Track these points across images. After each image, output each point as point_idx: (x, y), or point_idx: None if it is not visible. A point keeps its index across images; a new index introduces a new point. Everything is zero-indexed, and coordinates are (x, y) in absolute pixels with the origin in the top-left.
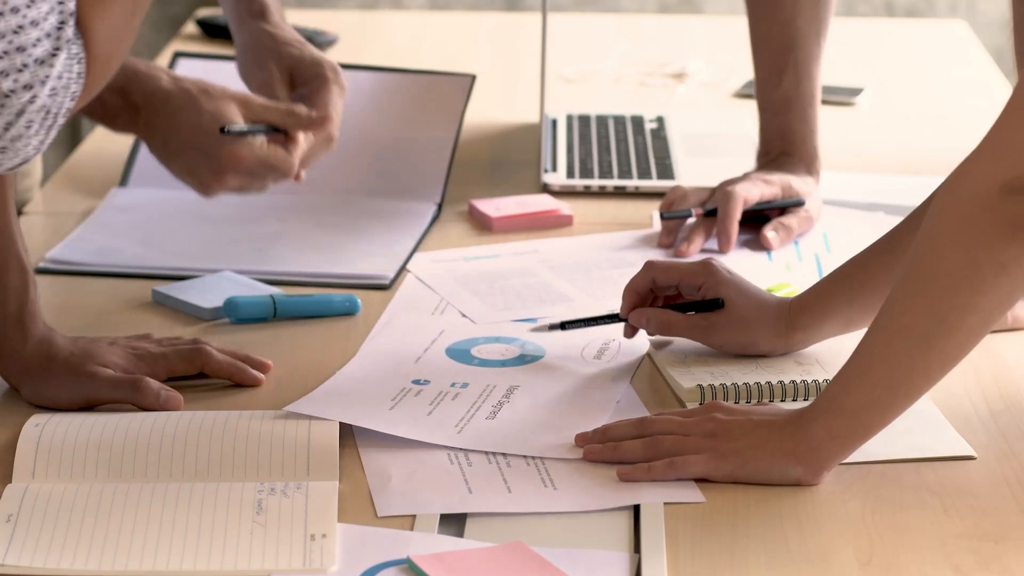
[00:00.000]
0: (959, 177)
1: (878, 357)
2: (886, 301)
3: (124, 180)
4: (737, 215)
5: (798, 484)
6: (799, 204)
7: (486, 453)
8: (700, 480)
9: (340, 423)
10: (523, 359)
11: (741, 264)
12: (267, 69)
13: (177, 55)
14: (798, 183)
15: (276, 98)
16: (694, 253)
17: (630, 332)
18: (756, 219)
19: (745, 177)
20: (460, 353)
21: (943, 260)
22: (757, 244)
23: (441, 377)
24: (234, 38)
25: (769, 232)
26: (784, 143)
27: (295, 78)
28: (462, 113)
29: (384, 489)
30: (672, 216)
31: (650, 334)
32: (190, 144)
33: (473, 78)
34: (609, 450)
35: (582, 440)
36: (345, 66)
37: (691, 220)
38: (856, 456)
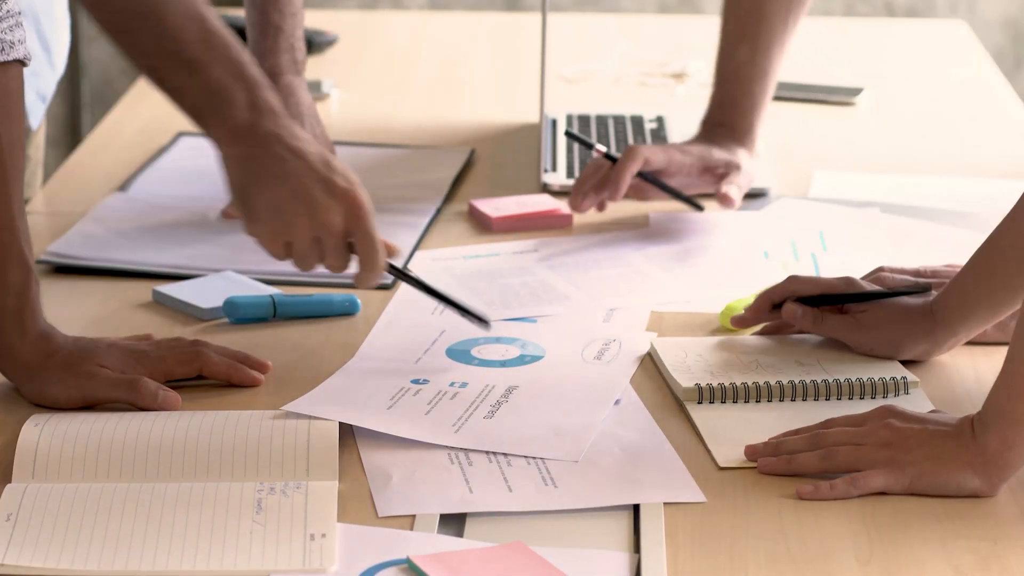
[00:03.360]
0: None
1: None
2: None
3: (125, 187)
4: (632, 168)
5: (975, 496)
6: (698, 208)
7: (486, 452)
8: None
9: (340, 423)
10: (523, 359)
11: (739, 263)
12: None
13: (180, 135)
14: (720, 153)
15: None
16: (588, 208)
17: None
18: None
19: (663, 143)
20: (460, 353)
21: None
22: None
23: (440, 377)
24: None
25: (727, 188)
26: (723, 113)
27: None
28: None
29: (384, 489)
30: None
31: (800, 328)
32: (305, 173)
33: (472, 151)
34: (783, 463)
35: (753, 452)
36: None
37: (597, 169)
38: None
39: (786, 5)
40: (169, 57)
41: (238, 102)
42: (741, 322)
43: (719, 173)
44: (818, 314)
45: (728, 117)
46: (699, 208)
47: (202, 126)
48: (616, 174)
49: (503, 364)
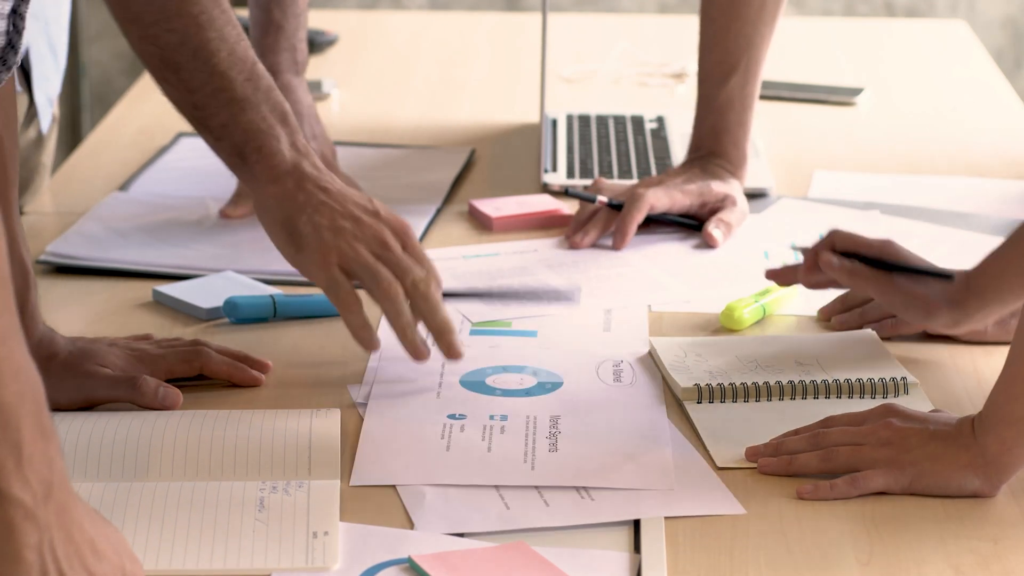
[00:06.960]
0: None
1: None
2: None
3: (125, 187)
4: (638, 218)
5: (975, 496)
6: (696, 228)
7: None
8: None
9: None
10: (544, 387)
11: (739, 263)
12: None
13: (180, 135)
14: (718, 186)
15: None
16: (587, 245)
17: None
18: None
19: (663, 182)
20: (476, 384)
21: None
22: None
23: (474, 410)
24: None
25: (713, 230)
26: (715, 143)
27: None
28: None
29: (420, 506)
30: (577, 195)
31: (835, 277)
32: (348, 203)
33: (472, 151)
34: (784, 464)
35: (753, 453)
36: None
37: (597, 208)
38: None
39: (771, 25)
40: (216, 94)
41: (283, 142)
42: (777, 275)
43: (714, 207)
44: (854, 267)
45: (722, 147)
46: (699, 229)
47: (244, 164)
48: (622, 223)
49: (527, 393)
